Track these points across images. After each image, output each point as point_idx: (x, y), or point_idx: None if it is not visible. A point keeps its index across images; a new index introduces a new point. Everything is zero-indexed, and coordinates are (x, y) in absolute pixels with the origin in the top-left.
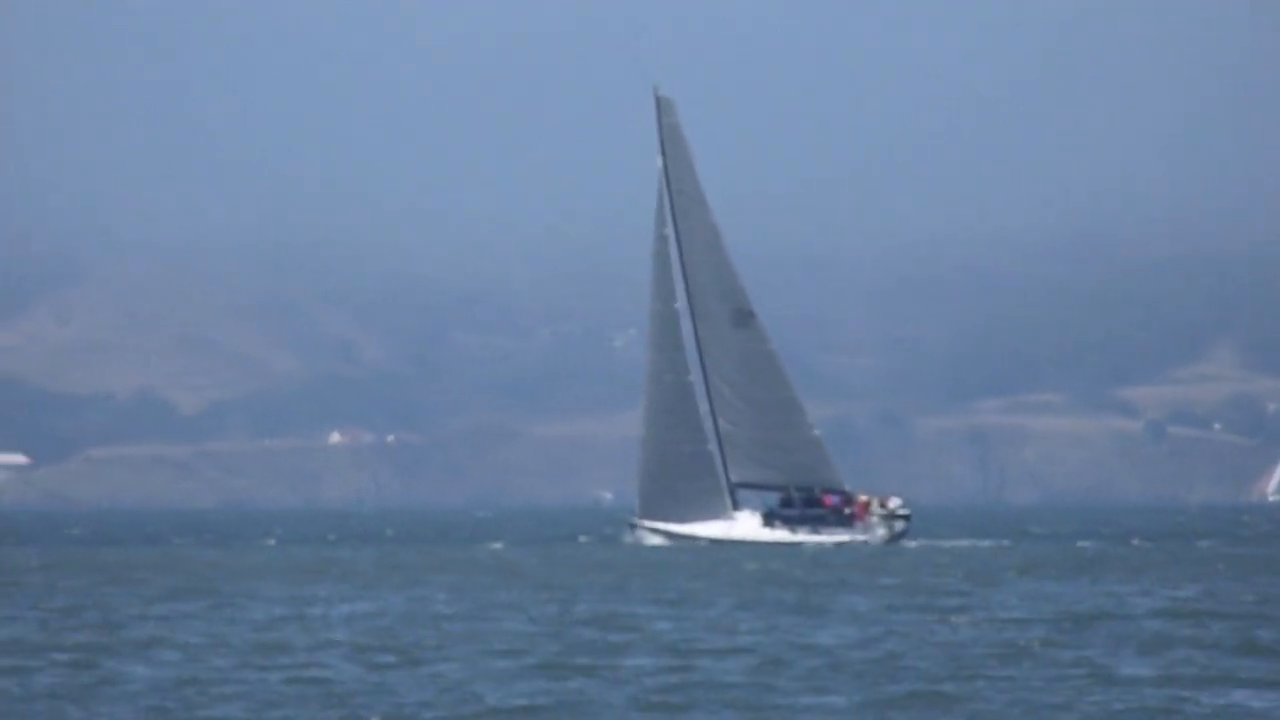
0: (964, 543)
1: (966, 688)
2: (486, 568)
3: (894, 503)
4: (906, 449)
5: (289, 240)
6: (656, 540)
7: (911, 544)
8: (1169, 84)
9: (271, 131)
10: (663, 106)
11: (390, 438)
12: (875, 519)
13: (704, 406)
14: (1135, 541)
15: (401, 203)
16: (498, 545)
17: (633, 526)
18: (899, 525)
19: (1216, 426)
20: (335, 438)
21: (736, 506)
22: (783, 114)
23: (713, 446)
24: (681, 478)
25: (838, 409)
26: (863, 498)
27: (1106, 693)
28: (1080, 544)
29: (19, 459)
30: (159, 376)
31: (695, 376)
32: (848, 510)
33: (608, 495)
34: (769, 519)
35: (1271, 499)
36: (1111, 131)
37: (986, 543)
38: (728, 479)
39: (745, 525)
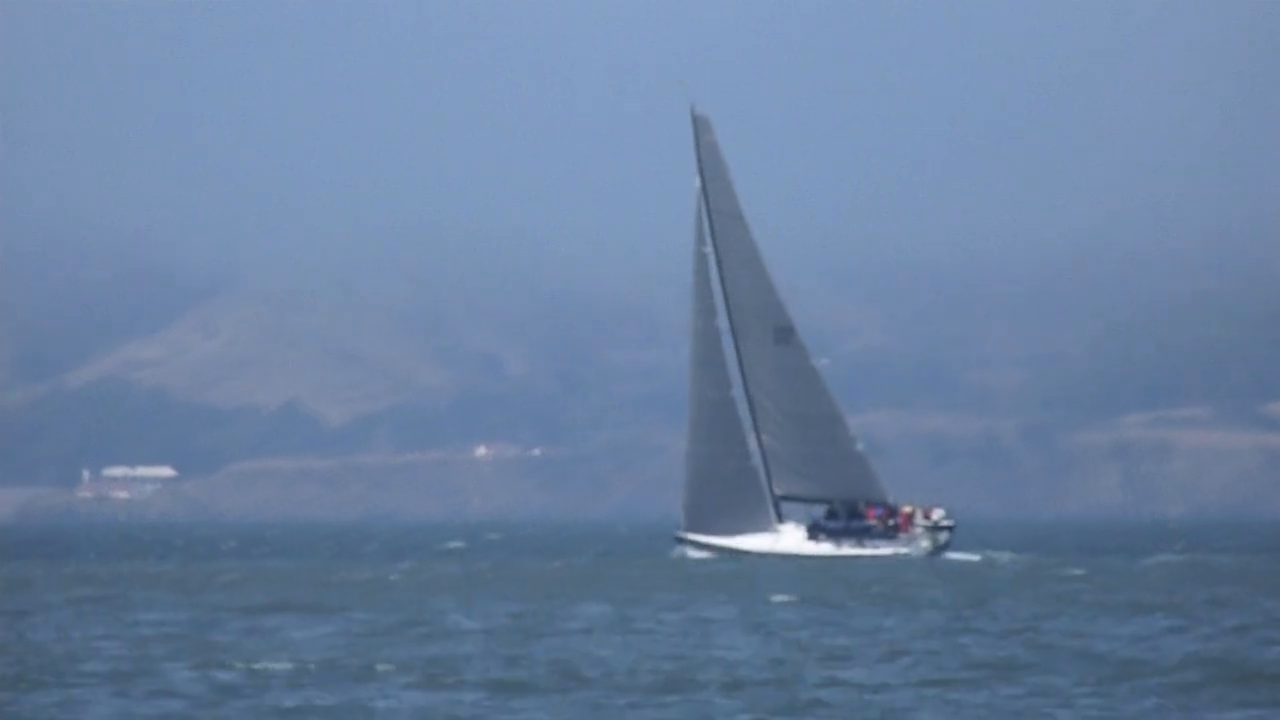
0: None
1: None
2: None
3: (937, 514)
4: (1052, 463)
5: (436, 255)
6: (703, 554)
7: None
8: None
9: (421, 151)
10: (699, 125)
11: (536, 451)
12: (919, 530)
13: (747, 421)
14: None
15: (547, 220)
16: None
17: (679, 540)
18: (943, 537)
19: None
20: (481, 451)
21: (781, 520)
22: (914, 126)
23: (756, 461)
24: (726, 491)
25: (983, 424)
26: (906, 509)
27: None
28: None
29: (166, 472)
30: (305, 390)
31: (737, 392)
32: (891, 522)
33: None
34: (813, 532)
35: None
36: (1259, 144)
37: None
38: (772, 492)
39: (790, 538)
